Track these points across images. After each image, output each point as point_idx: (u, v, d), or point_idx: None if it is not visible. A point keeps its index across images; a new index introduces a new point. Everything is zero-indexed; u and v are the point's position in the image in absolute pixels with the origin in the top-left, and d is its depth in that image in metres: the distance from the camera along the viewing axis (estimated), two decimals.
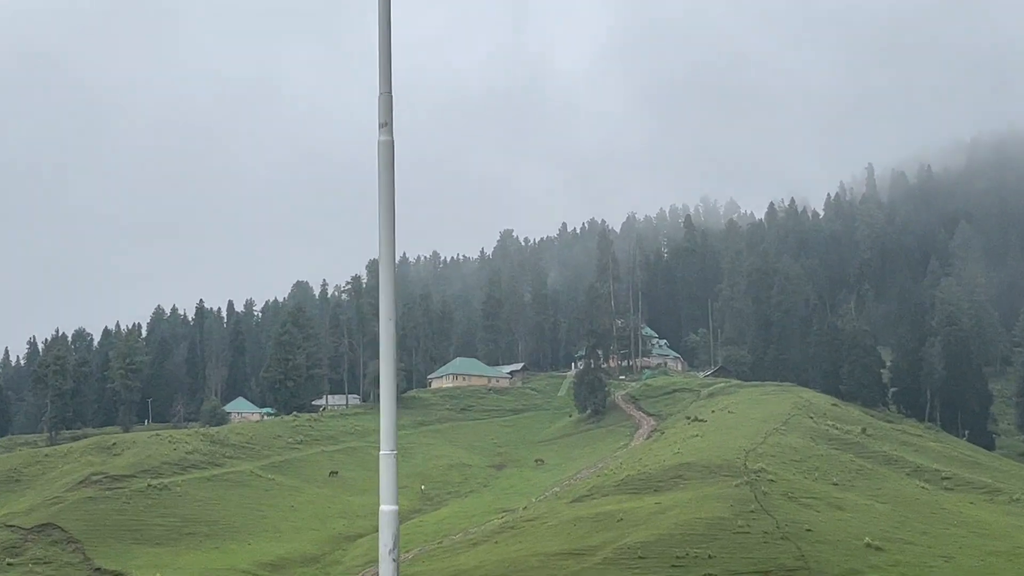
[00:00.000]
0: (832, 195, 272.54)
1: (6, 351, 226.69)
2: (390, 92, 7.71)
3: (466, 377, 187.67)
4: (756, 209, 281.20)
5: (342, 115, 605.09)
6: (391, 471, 7.58)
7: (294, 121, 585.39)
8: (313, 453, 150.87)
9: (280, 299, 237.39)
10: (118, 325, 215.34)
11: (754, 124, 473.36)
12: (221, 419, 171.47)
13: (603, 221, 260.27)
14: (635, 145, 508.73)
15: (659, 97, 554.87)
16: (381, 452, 7.44)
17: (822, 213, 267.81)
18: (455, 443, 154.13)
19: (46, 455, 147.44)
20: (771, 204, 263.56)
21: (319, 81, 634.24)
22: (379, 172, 7.58)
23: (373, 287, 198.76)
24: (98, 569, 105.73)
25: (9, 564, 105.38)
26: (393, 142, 7.68)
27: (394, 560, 7.33)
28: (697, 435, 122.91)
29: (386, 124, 7.66)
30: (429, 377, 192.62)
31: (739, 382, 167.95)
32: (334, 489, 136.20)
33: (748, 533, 78.33)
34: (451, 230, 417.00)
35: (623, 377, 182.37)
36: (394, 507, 7.44)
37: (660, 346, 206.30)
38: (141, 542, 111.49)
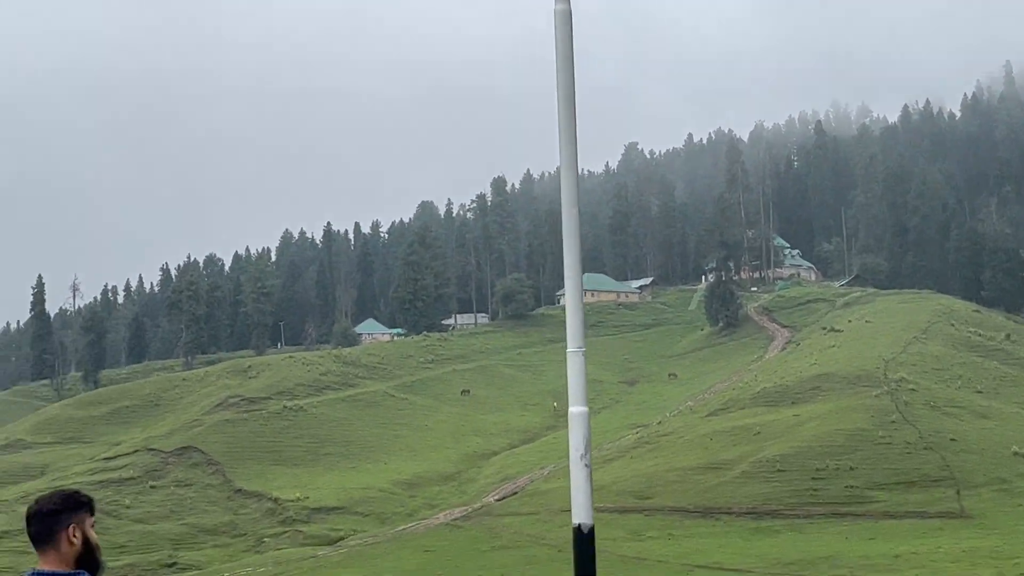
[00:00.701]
0: (968, 95, 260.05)
1: (140, 279, 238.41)
2: None
3: (595, 293, 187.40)
4: (889, 113, 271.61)
5: (459, 34, 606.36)
6: (580, 370, 7.00)
7: (411, 43, 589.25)
8: (444, 372, 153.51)
9: (406, 220, 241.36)
10: (248, 250, 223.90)
11: (884, 24, 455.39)
12: (352, 340, 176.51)
13: (730, 131, 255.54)
14: (760, 51, 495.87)
15: None
16: (568, 350, 6.97)
17: (958, 114, 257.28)
18: (586, 359, 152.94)
19: (183, 379, 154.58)
20: (905, 107, 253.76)
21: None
22: (556, 45, 7.23)
23: (498, 204, 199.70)
24: (238, 490, 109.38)
25: (152, 487, 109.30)
26: (570, 11, 7.24)
27: (586, 465, 6.78)
28: (834, 345, 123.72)
29: None
30: (557, 294, 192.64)
31: (876, 290, 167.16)
32: (467, 408, 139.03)
33: (890, 444, 79.29)
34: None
35: (755, 289, 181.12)
36: (584, 408, 6.82)
37: (792, 256, 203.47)
38: (279, 463, 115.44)
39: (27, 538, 5.06)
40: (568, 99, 7.28)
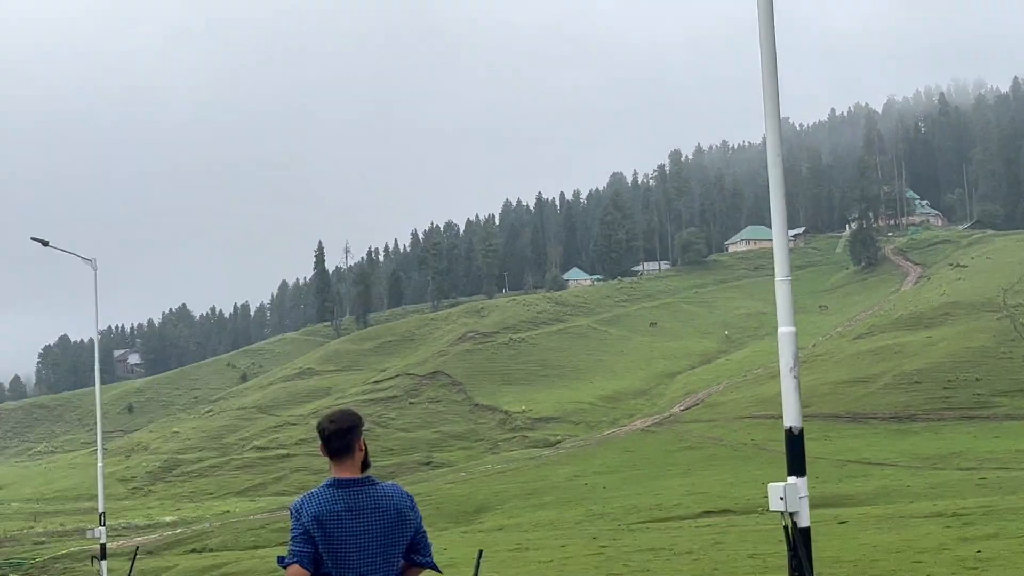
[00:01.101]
0: None
1: (395, 240, 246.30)
2: None
3: (756, 241, 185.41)
4: (1001, 84, 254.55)
5: (642, 32, 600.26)
6: (787, 296, 6.94)
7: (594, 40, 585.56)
8: (635, 309, 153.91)
9: (600, 188, 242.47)
10: (477, 216, 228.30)
11: (996, 7, 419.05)
12: (560, 285, 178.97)
13: (866, 104, 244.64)
14: (890, 34, 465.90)
15: None
16: (777, 279, 6.92)
17: None
18: (751, 296, 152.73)
19: (431, 319, 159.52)
20: (1015, 78, 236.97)
21: None
22: (760, 19, 7.05)
23: (675, 172, 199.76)
24: (477, 405, 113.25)
25: (411, 403, 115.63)
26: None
27: (795, 377, 6.70)
28: (960, 278, 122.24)
29: None
30: (726, 243, 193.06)
31: (994, 232, 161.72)
32: (654, 337, 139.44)
33: (1010, 359, 79.31)
34: (736, 119, 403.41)
35: (891, 234, 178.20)
36: (791, 328, 6.77)
37: (922, 206, 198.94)
38: (508, 383, 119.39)
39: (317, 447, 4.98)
40: (771, 70, 7.06)
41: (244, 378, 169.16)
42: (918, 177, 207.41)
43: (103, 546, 26.59)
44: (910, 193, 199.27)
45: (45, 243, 26.96)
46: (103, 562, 26.02)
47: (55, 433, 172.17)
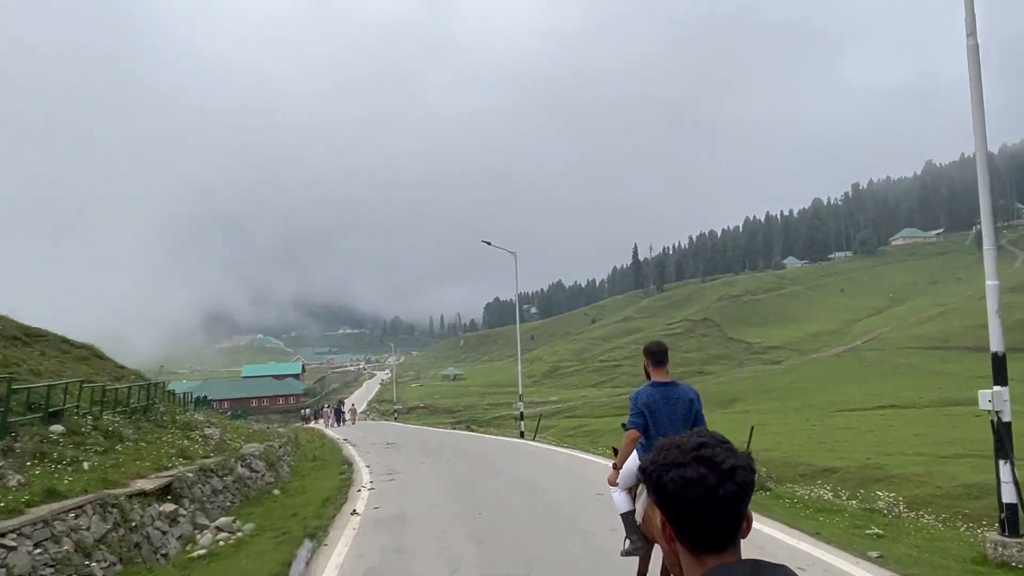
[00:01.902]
0: None
1: (677, 242, 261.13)
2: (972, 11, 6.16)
3: (910, 238, 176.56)
4: None
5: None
6: (992, 258, 5.95)
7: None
8: (830, 280, 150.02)
9: (805, 207, 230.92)
10: (727, 225, 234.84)
11: None
12: (780, 266, 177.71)
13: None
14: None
15: None
16: (984, 247, 5.95)
17: None
18: (906, 273, 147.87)
19: (700, 288, 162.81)
20: None
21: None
22: (969, 72, 6.17)
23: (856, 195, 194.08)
24: (730, 338, 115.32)
25: (690, 336, 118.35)
26: (978, 46, 6.11)
27: (999, 316, 5.60)
28: None
29: (971, 34, 6.06)
30: (889, 239, 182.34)
31: None
32: (842, 298, 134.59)
33: None
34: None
35: (1005, 231, 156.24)
36: (996, 282, 5.73)
37: None
38: (749, 325, 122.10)
39: None
40: (979, 106, 6.22)
41: (593, 321, 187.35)
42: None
43: (521, 413, 28.12)
44: (1018, 204, 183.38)
45: (488, 243, 26.44)
46: (521, 421, 27.64)
47: (492, 351, 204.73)
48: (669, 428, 4.76)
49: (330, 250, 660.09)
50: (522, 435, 27.35)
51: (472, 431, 35.84)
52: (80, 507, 8.13)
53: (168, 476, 10.78)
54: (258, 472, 15.28)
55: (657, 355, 4.99)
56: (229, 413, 43.67)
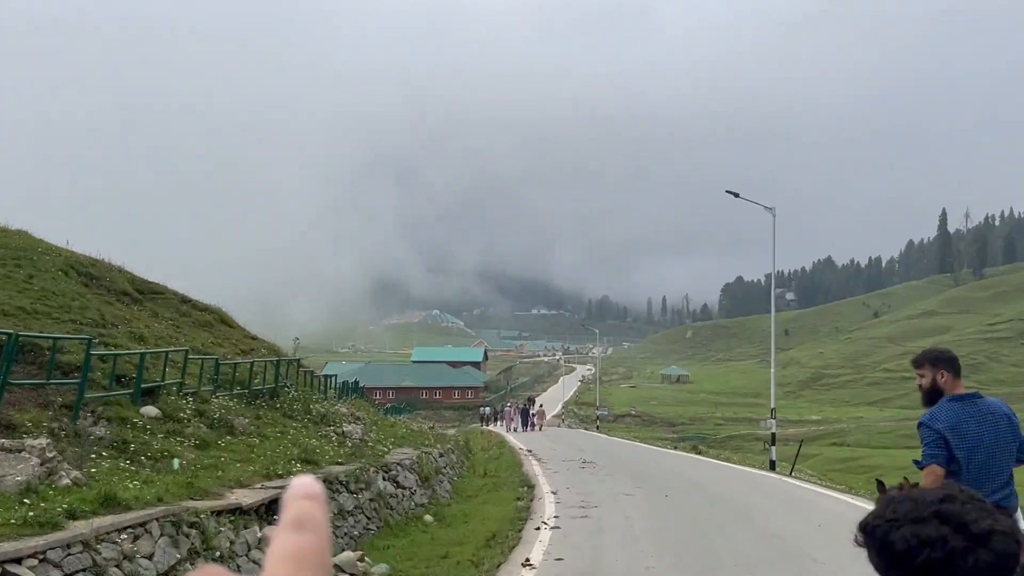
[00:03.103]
0: None
1: (1011, 208, 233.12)
2: None
3: None
4: None
5: None
6: None
7: None
8: None
9: None
10: None
11: None
12: None
13: None
14: None
15: None
16: None
17: None
18: None
19: None
20: None
21: None
22: None
23: None
24: None
25: (1022, 343, 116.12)
26: None
27: None
28: None
29: None
30: None
31: None
32: None
33: None
34: None
35: None
36: None
37: None
38: None
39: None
40: None
41: (876, 315, 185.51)
42: None
43: (773, 435, 27.21)
44: None
45: (736, 195, 26.82)
46: (772, 447, 26.85)
47: (730, 347, 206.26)
48: (989, 459, 4.77)
49: (523, 208, 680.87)
50: (772, 466, 26.76)
51: (700, 454, 35.93)
52: (143, 524, 7.71)
53: (278, 487, 10.49)
54: (407, 488, 14.92)
55: (954, 363, 5.01)
56: (388, 406, 45.45)
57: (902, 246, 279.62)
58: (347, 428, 16.43)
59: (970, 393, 4.96)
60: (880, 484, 5.09)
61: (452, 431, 54.37)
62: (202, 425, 12.31)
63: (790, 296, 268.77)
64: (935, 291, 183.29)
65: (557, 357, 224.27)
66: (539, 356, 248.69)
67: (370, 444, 16.15)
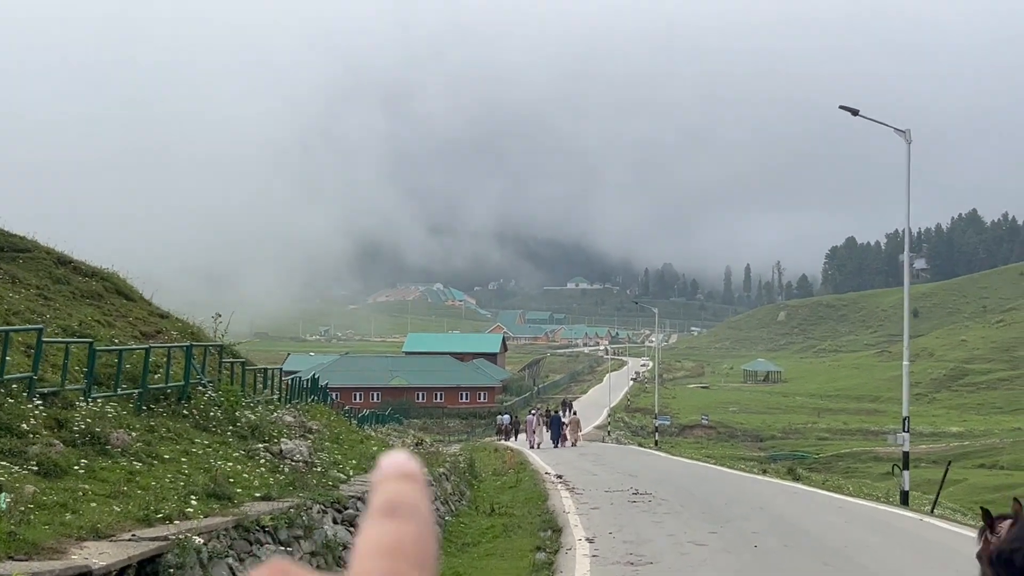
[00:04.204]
0: None
1: None
2: None
3: None
4: None
5: None
6: None
7: None
8: None
9: None
10: None
11: None
12: None
13: None
14: None
15: None
16: None
17: None
18: None
19: None
20: None
21: None
22: None
23: None
24: None
25: None
26: None
27: None
28: None
29: None
30: None
31: None
32: None
33: None
34: None
35: None
36: None
37: None
38: None
39: None
40: None
41: None
42: None
43: (906, 454, 27.31)
44: None
45: (855, 112, 27.98)
46: (904, 472, 26.65)
47: (839, 332, 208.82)
48: None
49: (555, 148, 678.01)
50: (904, 498, 26.18)
51: (799, 480, 35.76)
52: None
53: (157, 539, 9.49)
54: None
55: None
56: (366, 413, 44.61)
57: None
58: (287, 445, 15.47)
59: None
60: (986, 514, 5.39)
61: (456, 447, 53.88)
62: (57, 441, 11.46)
63: (920, 264, 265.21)
64: None
65: (602, 347, 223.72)
66: (577, 345, 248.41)
67: (320, 469, 15.18)
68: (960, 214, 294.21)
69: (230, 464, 13.35)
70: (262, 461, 14.43)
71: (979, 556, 5.96)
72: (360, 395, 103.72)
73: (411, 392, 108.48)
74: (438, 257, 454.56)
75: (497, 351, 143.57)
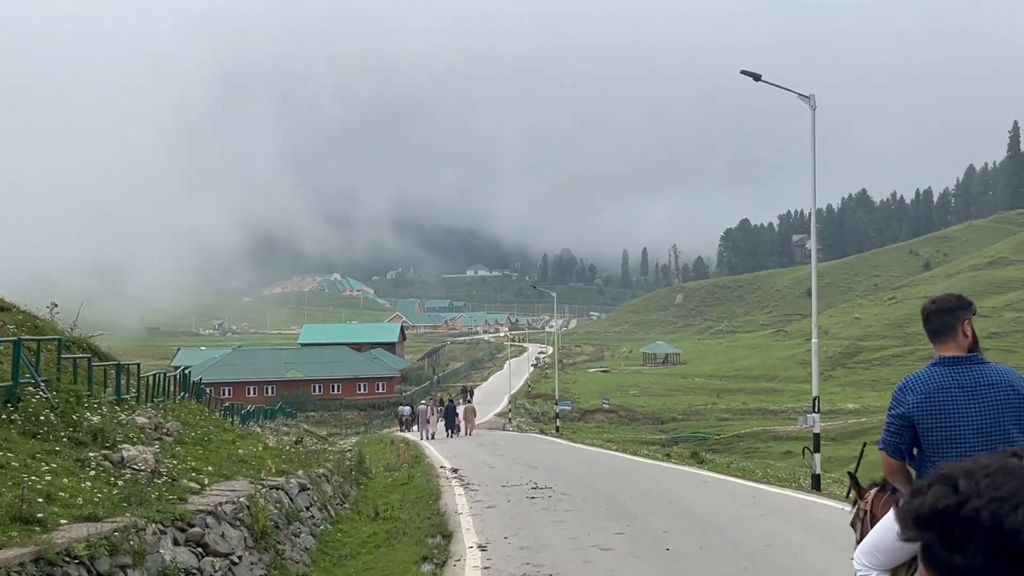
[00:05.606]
0: None
1: None
2: None
3: None
4: None
5: None
6: None
7: None
8: None
9: None
10: None
11: None
12: None
13: None
14: None
15: None
16: None
17: None
18: None
19: None
20: None
21: None
22: None
23: None
24: None
25: None
26: None
27: None
28: None
29: None
30: None
31: None
32: None
33: None
34: None
35: None
36: None
37: None
38: None
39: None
40: None
41: (927, 266, 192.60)
42: None
43: (816, 436, 26.50)
44: None
45: (757, 77, 28.54)
46: (816, 455, 26.04)
47: (735, 313, 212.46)
48: (975, 440, 5.19)
49: (452, 134, 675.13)
50: (816, 483, 25.38)
51: (703, 464, 35.43)
52: None
53: None
54: (224, 556, 11.89)
55: (936, 317, 5.50)
56: (250, 409, 42.43)
57: (960, 174, 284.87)
58: (129, 452, 13.38)
59: (963, 355, 5.40)
60: (854, 479, 5.92)
61: (354, 439, 51.99)
62: None
63: (811, 244, 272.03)
64: (1005, 232, 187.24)
65: (502, 334, 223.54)
66: (478, 333, 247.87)
67: (167, 477, 13.16)
68: (850, 194, 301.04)
69: (49, 478, 11.32)
70: (93, 472, 12.38)
71: (852, 524, 5.91)
72: (254, 389, 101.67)
73: (307, 384, 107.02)
74: (335, 247, 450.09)
75: (395, 340, 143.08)
